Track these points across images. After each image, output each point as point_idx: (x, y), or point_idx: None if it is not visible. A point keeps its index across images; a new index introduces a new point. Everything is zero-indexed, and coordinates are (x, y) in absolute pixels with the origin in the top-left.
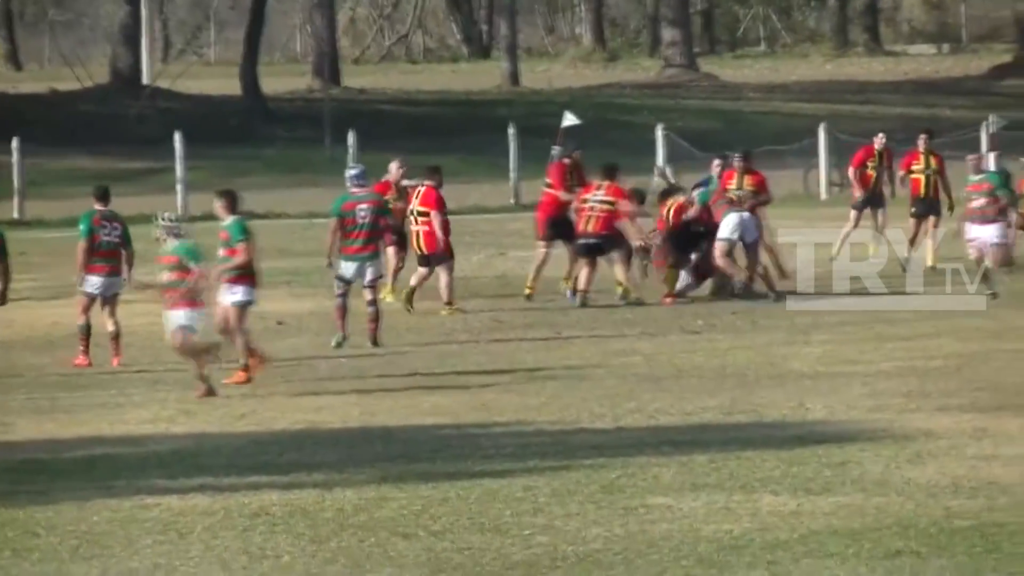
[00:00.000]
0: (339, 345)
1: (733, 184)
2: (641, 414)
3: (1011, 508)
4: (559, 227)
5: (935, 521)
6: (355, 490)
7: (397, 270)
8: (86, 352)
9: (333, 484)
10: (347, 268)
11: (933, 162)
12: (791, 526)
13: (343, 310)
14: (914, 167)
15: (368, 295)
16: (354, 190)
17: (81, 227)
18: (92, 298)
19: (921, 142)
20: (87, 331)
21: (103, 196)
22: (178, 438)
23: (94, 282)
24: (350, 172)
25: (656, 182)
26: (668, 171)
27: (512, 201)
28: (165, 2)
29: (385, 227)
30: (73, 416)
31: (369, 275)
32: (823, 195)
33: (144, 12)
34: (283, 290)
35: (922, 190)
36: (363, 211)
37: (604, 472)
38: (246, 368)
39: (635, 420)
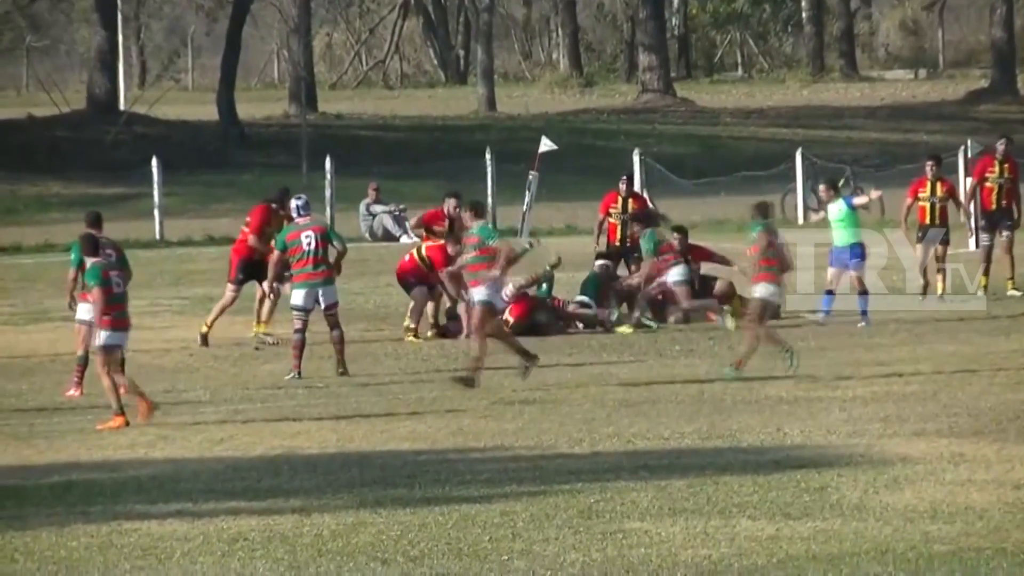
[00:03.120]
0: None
1: (617, 207)
2: (618, 439)
3: (988, 533)
4: (252, 269)
5: (913, 546)
6: (333, 515)
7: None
8: (80, 383)
9: (311, 509)
10: (299, 295)
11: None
12: (769, 551)
13: (301, 347)
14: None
15: (329, 321)
16: (298, 219)
17: (72, 256)
18: (90, 326)
19: (928, 169)
20: (84, 363)
21: (96, 222)
22: (156, 463)
23: (90, 308)
24: (295, 202)
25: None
26: (645, 196)
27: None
28: (142, 28)
29: (328, 251)
30: (51, 442)
31: (324, 300)
32: (800, 220)
33: (120, 38)
34: None
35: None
36: (308, 237)
37: (582, 497)
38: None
39: (612, 445)
